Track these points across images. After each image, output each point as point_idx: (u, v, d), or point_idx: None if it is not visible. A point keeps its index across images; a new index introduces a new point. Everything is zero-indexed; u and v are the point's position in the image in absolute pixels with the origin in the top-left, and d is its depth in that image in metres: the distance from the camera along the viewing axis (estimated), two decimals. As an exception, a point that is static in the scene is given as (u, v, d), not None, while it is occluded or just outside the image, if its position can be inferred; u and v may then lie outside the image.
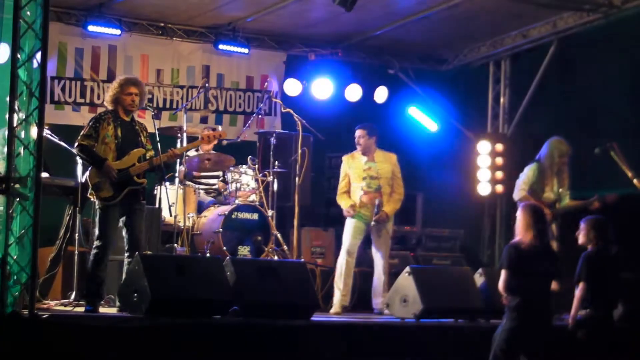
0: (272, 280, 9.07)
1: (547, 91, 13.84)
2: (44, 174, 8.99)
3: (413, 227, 13.47)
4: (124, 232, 9.11)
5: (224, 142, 11.82)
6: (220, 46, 13.38)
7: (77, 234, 10.05)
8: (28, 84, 7.94)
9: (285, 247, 11.60)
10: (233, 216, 11.15)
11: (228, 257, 9.41)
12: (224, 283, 8.77)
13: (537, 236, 7.89)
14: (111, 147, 9.06)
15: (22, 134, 7.93)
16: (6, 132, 7.90)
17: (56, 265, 10.21)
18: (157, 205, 10.62)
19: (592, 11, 12.59)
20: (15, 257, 7.77)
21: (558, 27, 13.16)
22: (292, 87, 13.77)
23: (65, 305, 9.51)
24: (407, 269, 9.97)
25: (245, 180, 11.67)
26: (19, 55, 7.93)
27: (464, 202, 14.52)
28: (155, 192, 10.56)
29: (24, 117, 7.93)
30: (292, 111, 11.92)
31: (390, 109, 14.44)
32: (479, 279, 10.12)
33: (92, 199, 9.15)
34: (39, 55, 7.98)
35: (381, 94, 14.32)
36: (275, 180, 11.88)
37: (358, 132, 10.89)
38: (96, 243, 9.01)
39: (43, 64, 7.97)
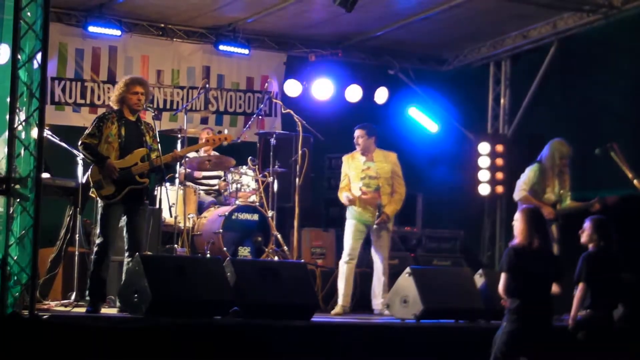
0: (272, 281, 9.07)
1: (547, 92, 13.84)
2: (45, 175, 8.99)
3: (413, 228, 13.47)
4: (124, 232, 9.11)
5: (225, 143, 11.82)
6: (221, 47, 13.39)
7: (77, 235, 10.05)
8: (28, 84, 7.94)
9: (285, 248, 11.60)
10: (233, 217, 11.15)
11: (228, 258, 9.41)
12: (224, 284, 8.77)
13: (536, 238, 7.89)
14: (114, 146, 9.07)
15: (23, 135, 7.93)
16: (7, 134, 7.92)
17: (56, 265, 10.21)
18: (157, 206, 10.64)
19: (592, 12, 12.59)
20: (15, 258, 7.77)
21: (558, 27, 13.17)
22: (293, 87, 13.78)
23: (65, 306, 9.51)
24: (408, 269, 9.97)
25: (246, 181, 11.68)
26: (19, 56, 7.93)
27: (464, 202, 14.53)
28: (155, 192, 10.58)
29: (24, 117, 7.93)
30: (292, 112, 11.92)
31: (390, 110, 14.45)
32: (479, 279, 10.12)
33: (93, 197, 9.16)
34: (39, 56, 7.98)
35: (381, 95, 14.33)
36: (276, 180, 11.89)
37: (357, 132, 10.89)
38: (97, 242, 9.02)
39: (43, 65, 7.97)
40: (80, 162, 9.99)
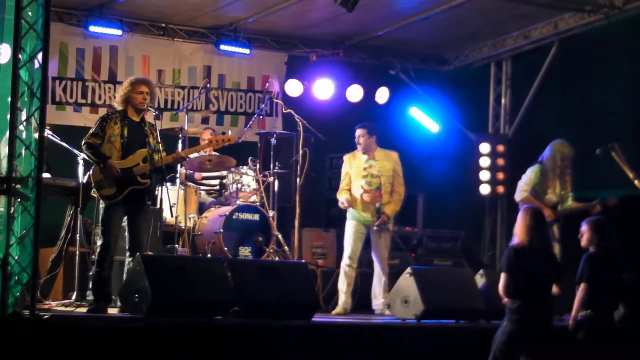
0: (273, 281, 9.07)
1: (548, 92, 13.84)
2: (46, 175, 8.99)
3: (414, 228, 13.46)
4: (126, 233, 9.12)
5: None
6: (222, 47, 13.39)
7: (78, 235, 10.06)
8: (29, 84, 7.94)
9: (286, 248, 11.60)
10: (234, 217, 11.15)
11: (229, 258, 9.41)
12: (224, 284, 8.78)
13: (536, 238, 7.89)
14: (116, 146, 9.08)
15: (24, 135, 7.93)
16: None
17: (57, 265, 10.21)
18: (158, 206, 10.64)
19: (593, 12, 12.59)
20: (16, 258, 7.77)
21: (559, 28, 13.17)
22: (293, 87, 13.79)
23: (66, 306, 9.52)
24: (408, 269, 9.97)
25: (246, 181, 11.67)
26: (20, 56, 7.93)
27: (465, 202, 14.53)
28: (156, 192, 10.58)
29: (25, 117, 7.93)
30: (293, 112, 11.92)
31: (391, 110, 14.45)
32: (480, 280, 10.12)
33: (94, 197, 9.18)
34: (40, 56, 7.98)
35: (382, 95, 14.33)
36: (276, 180, 11.88)
37: (358, 132, 10.89)
38: (99, 242, 9.04)
39: (44, 65, 7.97)
40: (81, 162, 10.01)
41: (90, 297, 9.62)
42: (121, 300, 8.81)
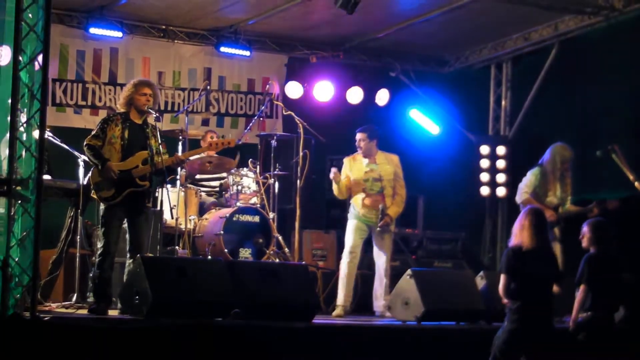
0: (273, 282, 9.07)
1: (548, 94, 13.83)
2: (46, 176, 9.00)
3: (414, 230, 13.46)
4: (127, 235, 9.13)
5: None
6: (222, 49, 13.39)
7: (78, 236, 10.06)
8: (30, 86, 7.95)
9: (286, 250, 11.60)
10: (234, 218, 11.14)
11: (229, 260, 9.40)
12: (225, 285, 8.77)
13: (536, 239, 7.90)
14: (116, 148, 9.09)
15: (24, 136, 7.93)
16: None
17: (58, 267, 10.21)
18: (158, 208, 10.64)
19: (593, 14, 12.59)
20: (16, 259, 7.77)
21: (560, 29, 13.17)
22: (294, 89, 13.78)
23: (66, 308, 9.52)
24: (409, 271, 9.98)
25: (247, 183, 11.67)
26: (20, 58, 7.94)
27: (465, 204, 14.52)
28: (157, 194, 10.58)
29: (25, 119, 7.94)
30: (293, 114, 11.93)
31: (391, 112, 14.44)
32: (480, 281, 10.12)
33: (95, 199, 9.19)
34: (40, 58, 7.98)
35: (382, 97, 14.33)
36: (277, 182, 11.88)
37: (358, 135, 10.89)
38: (100, 244, 9.05)
39: (45, 66, 7.98)
40: (81, 163, 10.01)
41: (90, 299, 9.63)
42: (122, 301, 8.81)
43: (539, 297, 7.84)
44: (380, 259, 10.81)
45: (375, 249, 10.85)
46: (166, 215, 10.86)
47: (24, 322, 7.62)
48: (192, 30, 13.31)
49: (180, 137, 11.32)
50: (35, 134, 7.97)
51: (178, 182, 11.25)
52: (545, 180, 10.64)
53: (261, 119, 13.46)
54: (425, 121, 14.77)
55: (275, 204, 11.83)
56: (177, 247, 10.70)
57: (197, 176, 11.97)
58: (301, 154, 11.73)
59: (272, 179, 11.81)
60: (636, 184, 10.01)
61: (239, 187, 11.57)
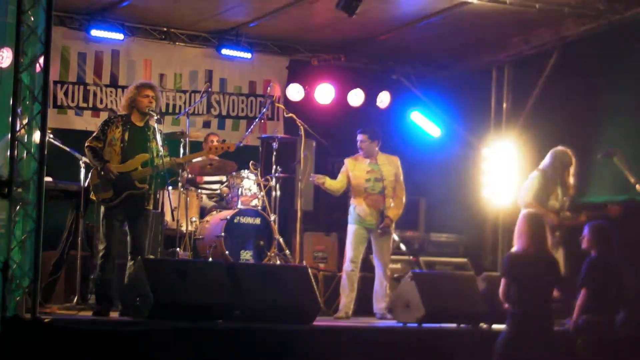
0: (274, 284, 9.07)
1: (549, 97, 13.81)
2: (47, 178, 9.00)
3: (416, 232, 13.46)
4: (128, 237, 9.14)
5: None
6: (223, 51, 13.39)
7: (79, 238, 10.06)
8: (31, 88, 7.95)
9: (287, 252, 11.61)
10: (235, 221, 11.15)
11: (230, 262, 9.41)
12: (226, 287, 8.78)
13: (536, 244, 7.91)
14: (116, 150, 9.11)
15: (25, 138, 7.94)
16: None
17: (59, 269, 10.22)
18: (159, 210, 10.67)
19: (594, 17, 12.57)
20: (17, 261, 7.78)
21: (561, 33, 13.14)
22: (295, 92, 13.78)
23: (67, 309, 9.52)
24: (410, 273, 9.98)
25: (248, 185, 11.67)
26: (22, 60, 7.95)
27: (466, 207, 14.50)
28: (157, 196, 10.60)
29: (26, 121, 7.94)
30: (294, 116, 11.94)
31: (392, 114, 14.45)
32: (481, 284, 10.12)
33: (93, 199, 9.21)
34: (41, 60, 7.99)
35: (384, 99, 14.33)
36: (278, 184, 11.89)
37: (360, 137, 10.90)
38: (101, 246, 9.07)
39: (46, 69, 7.99)
40: (82, 165, 10.01)
41: (92, 301, 9.64)
42: (123, 304, 8.82)
43: (539, 302, 7.85)
44: (381, 261, 10.81)
45: (376, 251, 10.85)
46: (167, 218, 10.88)
47: (25, 323, 7.62)
48: (193, 33, 13.31)
49: (182, 140, 11.33)
50: (37, 136, 7.97)
51: (179, 184, 11.26)
52: (547, 184, 10.63)
53: (262, 121, 13.46)
54: (426, 124, 14.77)
55: (276, 206, 11.84)
56: (178, 249, 10.71)
57: (197, 179, 11.98)
58: (302, 156, 11.74)
59: (273, 181, 11.82)
60: (637, 187, 10.00)
61: (240, 190, 11.58)
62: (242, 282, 8.91)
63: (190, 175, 11.68)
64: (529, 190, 10.61)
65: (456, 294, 9.91)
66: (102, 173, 9.02)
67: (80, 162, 10.04)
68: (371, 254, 11.02)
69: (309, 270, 9.93)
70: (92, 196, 9.17)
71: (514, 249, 8.03)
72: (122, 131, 9.17)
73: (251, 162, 11.80)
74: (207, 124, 13.42)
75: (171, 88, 13.29)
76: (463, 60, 14.61)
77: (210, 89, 13.00)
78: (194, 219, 11.34)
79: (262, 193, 11.72)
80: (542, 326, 7.89)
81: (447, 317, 9.85)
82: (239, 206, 11.37)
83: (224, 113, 13.71)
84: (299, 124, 11.80)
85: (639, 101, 12.50)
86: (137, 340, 8.02)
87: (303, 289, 9.32)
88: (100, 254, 9.05)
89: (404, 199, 10.92)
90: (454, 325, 9.89)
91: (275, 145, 11.94)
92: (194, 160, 11.43)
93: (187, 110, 12.05)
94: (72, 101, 12.62)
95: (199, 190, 11.89)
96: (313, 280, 9.68)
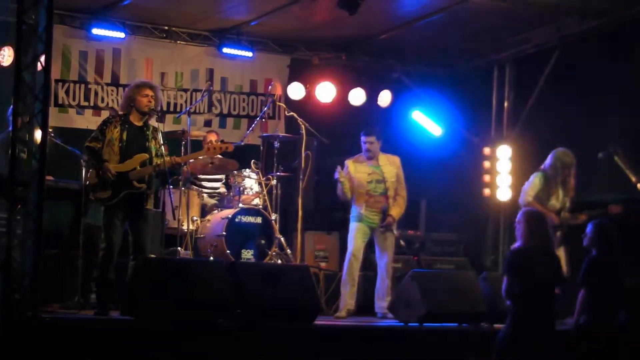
0: (276, 284, 9.07)
1: (551, 95, 13.80)
2: (48, 177, 9.00)
3: (417, 231, 13.45)
4: (129, 237, 9.14)
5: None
6: (225, 50, 13.38)
7: (80, 238, 10.05)
8: (32, 87, 7.94)
9: (288, 251, 11.61)
10: (236, 220, 11.15)
11: (231, 261, 9.40)
12: (227, 287, 8.77)
13: (536, 241, 7.91)
14: (115, 150, 9.11)
15: (26, 137, 7.93)
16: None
17: (60, 268, 10.21)
18: (160, 209, 10.66)
19: (596, 16, 12.56)
20: (18, 261, 7.77)
21: (562, 31, 13.14)
22: (296, 90, 13.77)
23: (68, 309, 9.51)
24: (411, 273, 9.98)
25: (249, 184, 11.67)
26: (23, 58, 7.94)
27: (467, 206, 14.51)
28: (159, 195, 10.60)
29: (27, 120, 7.94)
30: (295, 115, 11.94)
31: (394, 113, 14.43)
32: (482, 283, 10.11)
33: (92, 199, 9.22)
34: (43, 59, 7.99)
35: (385, 98, 14.31)
36: (279, 183, 11.88)
37: (369, 138, 10.84)
38: (102, 245, 9.07)
39: (47, 67, 7.99)
40: (83, 164, 10.00)
41: (93, 300, 9.63)
42: (124, 303, 8.81)
43: (541, 300, 7.84)
44: (382, 260, 10.81)
45: (377, 250, 10.84)
46: (168, 217, 10.88)
47: (25, 323, 7.61)
48: (194, 31, 13.30)
49: (183, 139, 11.33)
50: (37, 134, 7.97)
51: (180, 184, 11.25)
52: (548, 185, 10.64)
53: (263, 120, 13.44)
54: (427, 123, 14.76)
55: (277, 205, 11.84)
56: (179, 249, 10.71)
57: (200, 176, 11.98)
58: (303, 155, 11.74)
59: (275, 180, 11.82)
60: (638, 185, 10.00)
61: (242, 188, 11.57)
62: (243, 281, 8.91)
63: (190, 172, 11.65)
64: (529, 190, 10.63)
65: (457, 293, 9.92)
66: (101, 173, 9.02)
67: (82, 161, 10.02)
68: (373, 253, 11.01)
69: (310, 270, 9.93)
70: (91, 196, 9.17)
71: (516, 246, 8.02)
72: (120, 131, 9.16)
73: (253, 161, 11.79)
74: (208, 123, 13.41)
75: (172, 87, 13.28)
76: (464, 59, 14.61)
77: (211, 88, 13.00)
78: (195, 218, 11.34)
79: (263, 192, 11.72)
80: (543, 324, 7.89)
81: (448, 316, 9.85)
82: (240, 205, 11.36)
83: (225, 112, 13.71)
84: (300, 123, 11.80)
85: (641, 100, 12.51)
86: (138, 340, 8.02)
87: (304, 288, 9.31)
88: (101, 253, 9.05)
89: (405, 198, 10.92)
90: (455, 324, 9.89)
91: (276, 144, 11.94)
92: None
93: (188, 109, 12.04)
94: (73, 100, 12.61)
95: (200, 189, 11.88)
96: (314, 280, 9.67)
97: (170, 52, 13.27)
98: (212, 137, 12.09)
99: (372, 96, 14.24)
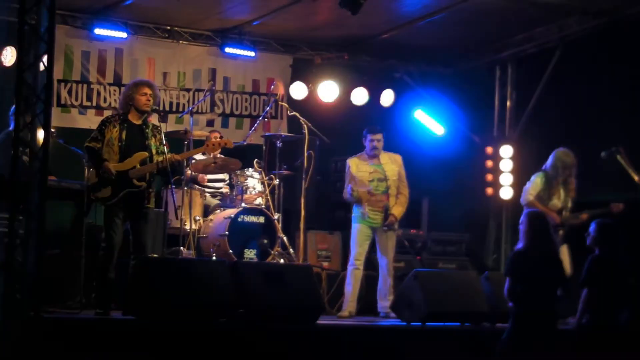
0: (278, 283, 9.07)
1: (553, 94, 13.80)
2: (50, 177, 9.01)
3: (419, 231, 13.45)
4: (130, 236, 9.14)
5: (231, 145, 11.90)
6: (227, 49, 13.38)
7: (82, 238, 10.05)
8: (34, 87, 7.95)
9: (291, 251, 11.61)
10: (239, 219, 11.15)
11: (234, 261, 9.41)
12: (229, 286, 8.77)
13: (539, 242, 7.90)
14: (114, 150, 9.12)
15: (29, 137, 7.94)
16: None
17: (62, 269, 10.21)
18: (163, 209, 10.66)
19: (597, 15, 12.56)
20: (20, 261, 7.78)
21: (563, 31, 13.14)
22: (298, 90, 13.76)
23: (70, 309, 9.52)
24: (413, 272, 9.98)
25: (252, 184, 11.67)
26: (25, 59, 7.95)
27: (470, 205, 14.50)
28: (162, 195, 10.59)
29: (30, 120, 7.94)
30: (298, 114, 11.94)
31: (396, 113, 14.43)
32: (484, 283, 10.11)
33: (93, 199, 9.23)
34: (45, 59, 8.00)
35: (387, 98, 14.31)
36: (282, 183, 11.89)
37: (377, 136, 10.86)
38: (102, 245, 9.08)
39: (49, 67, 8.00)
40: (86, 164, 10.00)
41: (94, 300, 9.63)
42: (125, 303, 8.81)
43: (543, 301, 7.84)
44: (384, 259, 10.81)
45: (379, 250, 10.85)
46: (171, 216, 10.88)
47: (27, 322, 7.62)
48: (197, 31, 13.30)
49: (186, 140, 11.32)
50: (40, 134, 7.98)
51: (183, 183, 11.26)
52: (549, 184, 10.65)
53: (266, 119, 13.44)
54: (429, 122, 14.76)
55: (280, 205, 11.84)
56: (181, 248, 10.71)
57: (200, 178, 11.97)
58: (306, 154, 11.74)
59: (277, 180, 11.82)
60: (641, 185, 10.01)
61: (244, 188, 11.58)
62: (246, 281, 8.91)
63: (193, 174, 11.67)
64: (530, 190, 10.65)
65: (459, 293, 9.92)
66: (101, 172, 9.03)
67: (84, 161, 10.02)
68: (375, 253, 11.01)
69: (313, 269, 9.93)
70: (92, 196, 9.17)
71: (518, 247, 8.02)
72: (119, 130, 9.17)
73: (255, 160, 11.79)
74: (210, 123, 13.41)
75: (175, 86, 13.28)
76: (466, 58, 14.61)
77: (213, 88, 13.01)
78: (197, 217, 11.34)
79: (266, 191, 11.72)
80: (545, 325, 7.88)
81: (450, 316, 9.85)
82: (243, 205, 11.37)
83: (227, 111, 13.71)
84: (303, 122, 11.80)
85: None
86: (139, 339, 8.02)
87: (306, 288, 9.31)
88: (102, 253, 9.06)
89: (407, 197, 10.93)
90: (457, 324, 9.90)
91: (278, 143, 11.95)
92: (198, 158, 11.46)
93: (190, 108, 12.04)
94: (76, 100, 12.62)
95: (203, 189, 11.88)
96: (316, 279, 9.67)
97: (172, 52, 13.27)
98: (216, 136, 12.09)
99: (374, 96, 14.24)
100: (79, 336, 7.81)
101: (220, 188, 12.11)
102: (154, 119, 9.50)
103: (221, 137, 11.30)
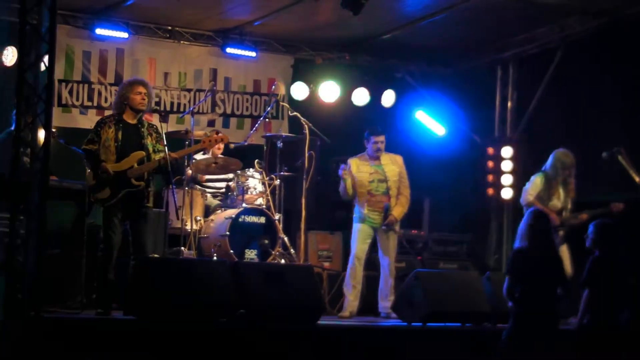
0: (279, 284, 9.07)
1: (554, 95, 13.80)
2: (51, 177, 9.00)
3: (420, 231, 13.45)
4: (129, 236, 9.14)
5: (231, 146, 11.89)
6: (228, 50, 13.38)
7: (84, 238, 10.05)
8: (35, 87, 7.95)
9: (292, 251, 11.60)
10: (240, 219, 11.15)
11: (235, 261, 9.40)
12: (230, 286, 8.77)
13: (540, 242, 7.90)
14: (111, 150, 9.13)
15: (29, 137, 7.94)
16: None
17: (62, 269, 10.20)
18: (164, 209, 10.66)
19: (597, 15, 12.56)
20: (21, 261, 7.78)
21: (565, 31, 13.13)
22: (299, 90, 13.77)
23: (70, 309, 9.51)
24: (414, 273, 9.98)
25: (253, 184, 11.67)
26: (26, 59, 7.95)
27: (471, 206, 14.50)
28: (162, 195, 10.58)
29: (31, 120, 7.94)
30: (299, 115, 11.94)
31: (397, 113, 14.43)
32: (485, 283, 10.11)
33: (92, 200, 9.22)
34: (46, 59, 8.00)
35: (388, 98, 14.32)
36: (282, 183, 11.89)
37: (380, 138, 10.88)
38: (102, 246, 9.08)
39: (50, 67, 8.00)
40: (86, 164, 10.01)
41: (95, 300, 9.64)
42: (125, 303, 8.81)
43: (544, 300, 7.84)
44: (385, 259, 10.82)
45: (380, 250, 10.85)
46: (172, 216, 10.88)
47: (28, 322, 7.62)
48: (198, 31, 13.30)
49: (187, 141, 11.32)
50: (41, 134, 7.98)
51: (184, 183, 11.25)
52: (549, 185, 10.66)
53: (267, 120, 13.44)
54: (431, 122, 14.77)
55: (281, 205, 11.84)
56: (182, 248, 10.71)
57: (200, 177, 11.97)
58: (307, 155, 11.74)
59: (278, 180, 11.82)
60: (642, 185, 10.01)
61: (245, 188, 11.58)
62: (247, 281, 8.91)
63: (194, 174, 11.66)
64: (530, 190, 10.67)
65: (460, 293, 9.92)
66: (99, 173, 9.03)
67: (85, 160, 10.02)
68: (375, 253, 11.01)
69: (314, 269, 9.93)
70: (91, 198, 9.17)
71: (519, 246, 8.02)
72: (115, 130, 9.18)
73: (256, 160, 11.79)
74: (211, 123, 13.40)
75: (176, 87, 13.28)
76: (467, 58, 14.61)
77: (214, 88, 13.01)
78: (198, 217, 11.34)
79: (266, 192, 11.72)
80: (546, 325, 7.88)
81: (451, 316, 9.85)
82: (244, 205, 11.37)
83: (228, 112, 13.70)
84: (304, 123, 11.80)
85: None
86: (139, 340, 8.02)
87: (307, 288, 9.31)
88: (102, 253, 9.05)
89: (409, 197, 10.93)
90: (458, 324, 9.89)
91: (279, 144, 11.94)
92: (199, 158, 11.46)
93: (191, 109, 12.03)
94: (77, 100, 12.61)
95: (204, 189, 11.88)
96: (317, 280, 9.67)
97: (173, 52, 13.27)
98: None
99: (375, 96, 14.25)
100: (79, 336, 7.81)
101: (222, 188, 12.10)
102: (155, 119, 9.49)
103: (217, 132, 11.28)
